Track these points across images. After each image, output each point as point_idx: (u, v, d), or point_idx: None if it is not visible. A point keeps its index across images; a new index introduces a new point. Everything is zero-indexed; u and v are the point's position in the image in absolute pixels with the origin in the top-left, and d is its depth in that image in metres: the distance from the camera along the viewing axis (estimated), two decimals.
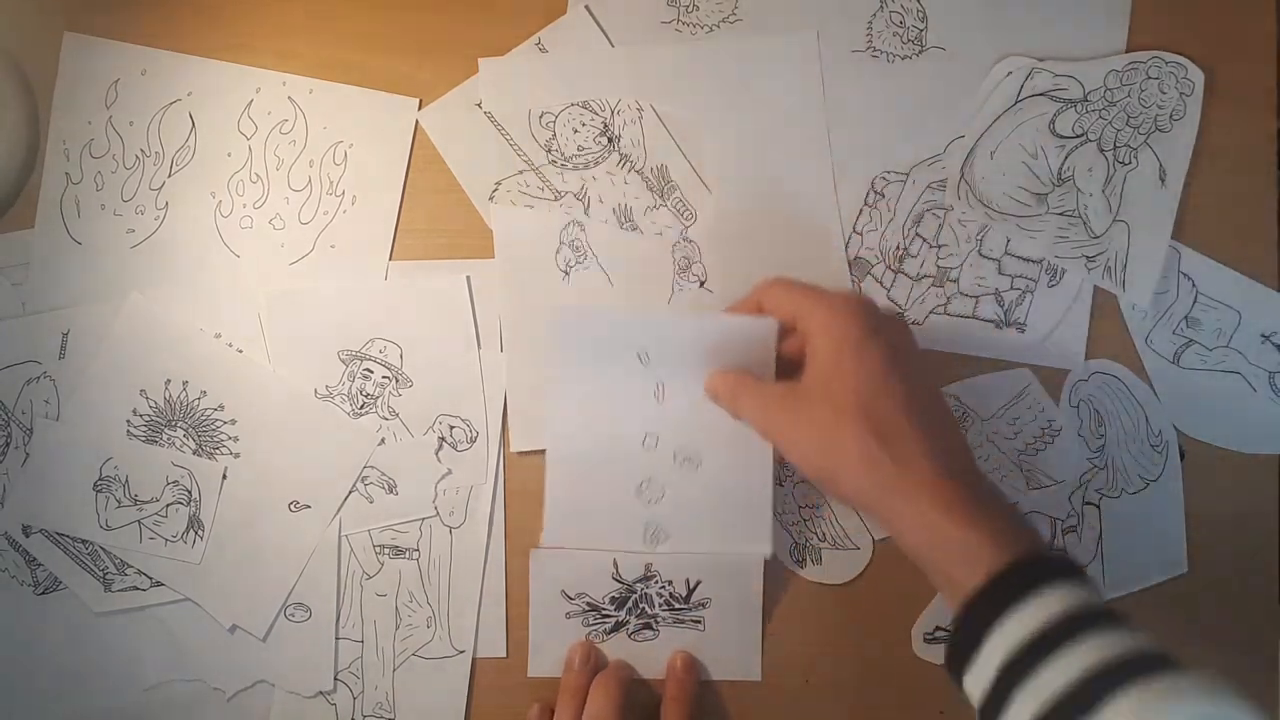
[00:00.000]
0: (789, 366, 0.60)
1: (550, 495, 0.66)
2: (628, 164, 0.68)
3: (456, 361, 0.68)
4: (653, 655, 0.68)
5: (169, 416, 0.67)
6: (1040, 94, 0.68)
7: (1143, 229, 0.68)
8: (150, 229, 0.68)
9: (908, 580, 0.68)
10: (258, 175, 0.68)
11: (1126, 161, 0.68)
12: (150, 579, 0.67)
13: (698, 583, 0.68)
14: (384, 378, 0.68)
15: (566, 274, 0.68)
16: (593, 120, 0.68)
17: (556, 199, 0.68)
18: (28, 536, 0.67)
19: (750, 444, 0.64)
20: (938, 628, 0.68)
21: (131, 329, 0.67)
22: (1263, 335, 0.69)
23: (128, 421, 0.67)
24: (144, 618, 0.67)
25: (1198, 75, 0.68)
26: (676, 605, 0.68)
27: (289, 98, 0.68)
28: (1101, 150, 0.68)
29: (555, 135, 0.68)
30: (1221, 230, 0.69)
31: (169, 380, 0.67)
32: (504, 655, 0.68)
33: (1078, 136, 0.68)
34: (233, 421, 0.67)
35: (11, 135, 0.67)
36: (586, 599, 0.68)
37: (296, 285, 0.68)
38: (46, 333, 0.67)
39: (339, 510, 0.67)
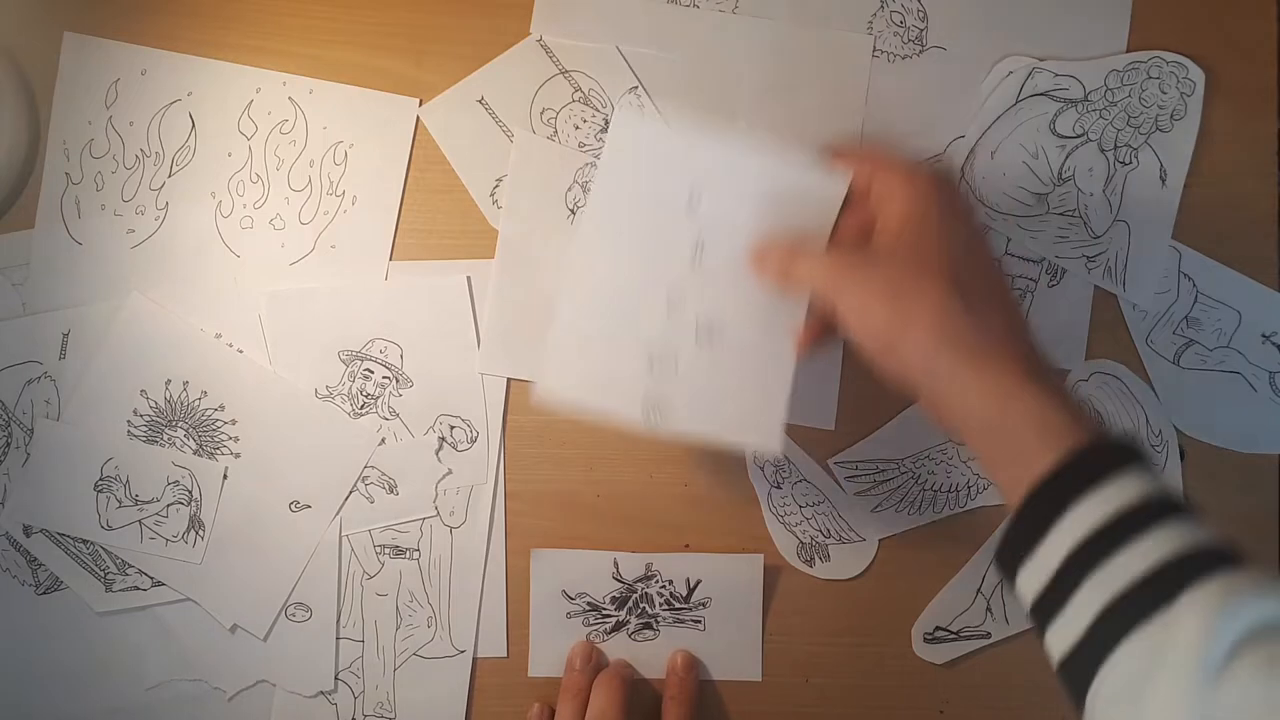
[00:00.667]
0: (846, 239, 0.56)
1: (555, 334, 0.60)
2: None
3: (457, 361, 0.68)
4: (653, 655, 0.68)
5: (169, 416, 0.67)
6: (1040, 94, 0.68)
7: (1143, 229, 0.68)
8: (150, 229, 0.68)
9: (909, 580, 0.68)
10: (258, 175, 0.68)
11: (1127, 161, 0.68)
12: (151, 579, 0.67)
13: (698, 582, 0.68)
14: (384, 378, 0.68)
15: (573, 213, 0.68)
16: (594, 116, 0.69)
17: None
18: (29, 536, 0.67)
19: (777, 325, 0.58)
20: (938, 627, 0.68)
21: (132, 329, 0.67)
22: (1263, 335, 0.69)
23: (128, 422, 0.67)
24: (145, 617, 0.67)
25: (1198, 75, 0.68)
26: (677, 605, 0.68)
27: (289, 98, 0.68)
28: (1102, 150, 0.68)
29: (556, 131, 0.69)
30: (1222, 230, 0.69)
31: (169, 380, 0.67)
32: (504, 655, 0.68)
33: (1078, 136, 0.68)
34: (233, 422, 0.67)
35: (11, 135, 0.67)
36: (587, 599, 0.68)
37: (296, 285, 0.68)
38: (47, 333, 0.67)
39: (339, 510, 0.67)
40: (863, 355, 0.51)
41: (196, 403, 0.67)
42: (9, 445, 0.67)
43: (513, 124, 0.69)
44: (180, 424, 0.67)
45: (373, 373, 0.68)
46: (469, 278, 0.68)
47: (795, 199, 0.57)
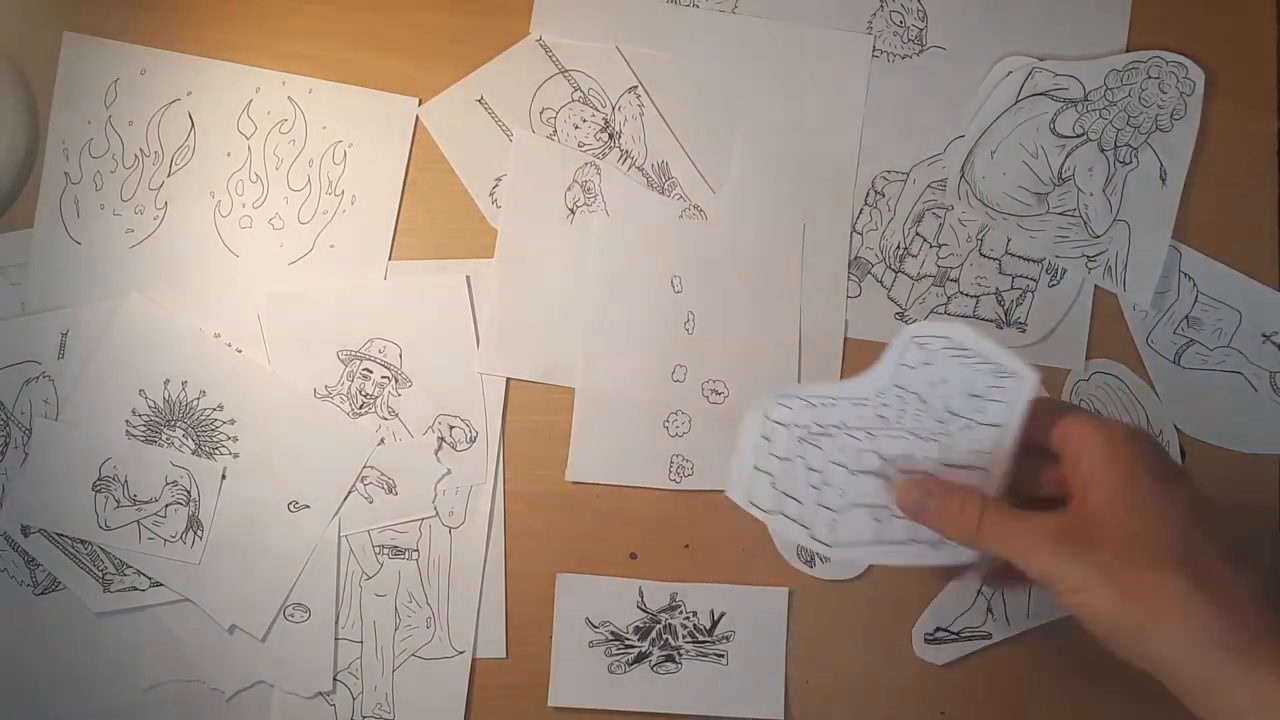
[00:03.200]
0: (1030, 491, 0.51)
1: (578, 429, 0.67)
2: (628, 160, 0.68)
3: (456, 361, 0.68)
4: (675, 689, 0.67)
5: (168, 416, 0.67)
6: (1040, 93, 0.68)
7: (1143, 229, 0.68)
8: (149, 229, 0.68)
9: (909, 579, 0.68)
10: (257, 175, 0.68)
11: (1127, 161, 0.68)
12: (149, 579, 0.67)
13: (722, 614, 0.67)
14: (383, 377, 0.68)
15: (572, 213, 0.68)
16: (594, 116, 0.69)
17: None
18: (26, 536, 0.66)
19: (777, 377, 0.65)
20: (938, 628, 0.68)
21: (130, 328, 0.67)
22: (1263, 335, 0.69)
23: (127, 421, 0.67)
24: (143, 618, 0.67)
25: (1198, 75, 0.68)
26: (700, 637, 0.67)
27: (289, 97, 0.68)
28: (1102, 150, 0.68)
29: (556, 130, 0.69)
30: (1222, 230, 0.69)
31: (168, 380, 0.67)
32: (503, 656, 0.68)
33: (1078, 136, 0.68)
34: (232, 421, 0.67)
35: (11, 135, 0.67)
36: (610, 628, 0.67)
37: (296, 285, 0.68)
38: (45, 332, 0.67)
39: (338, 510, 0.67)
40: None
41: (195, 402, 0.67)
42: (7, 445, 0.67)
43: (512, 123, 0.69)
44: (179, 424, 0.67)
45: (372, 372, 0.68)
46: (468, 277, 0.68)
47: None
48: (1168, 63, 0.68)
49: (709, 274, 0.68)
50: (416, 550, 0.68)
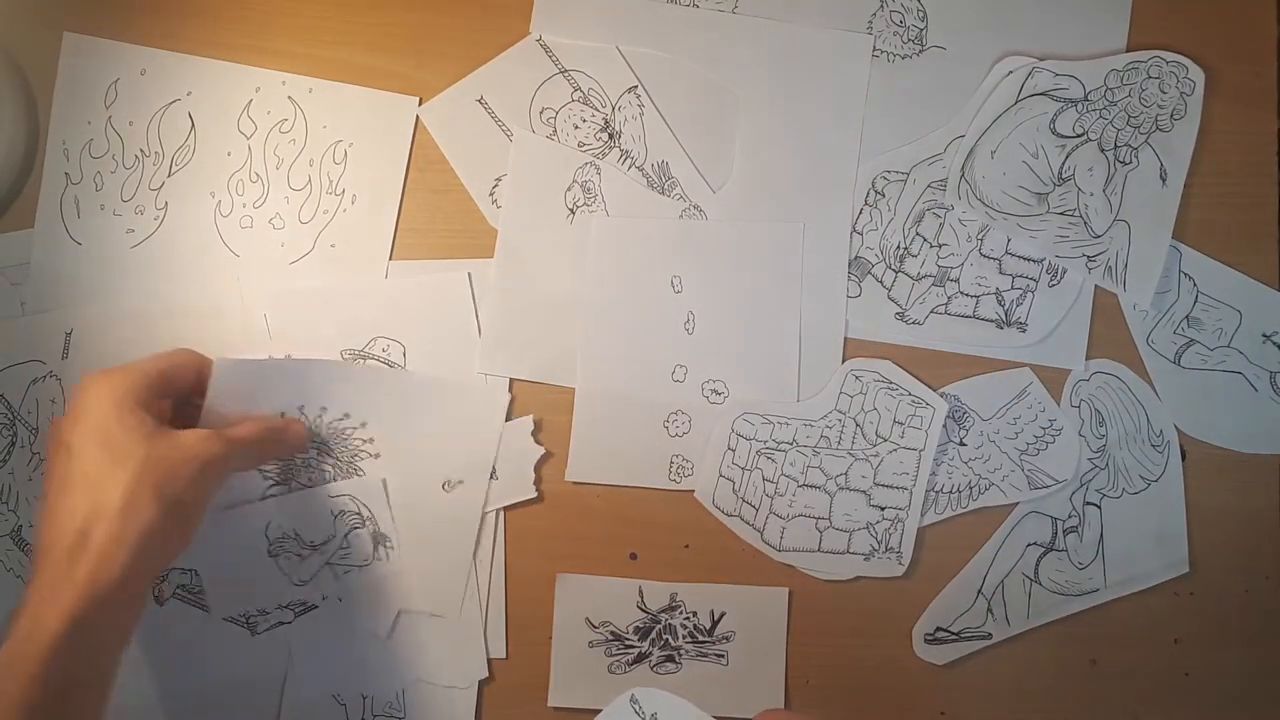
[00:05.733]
0: None
1: (578, 429, 0.67)
2: (628, 160, 0.68)
3: (458, 360, 0.68)
4: (675, 689, 0.67)
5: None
6: (1040, 93, 0.68)
7: (1144, 229, 0.68)
8: (150, 229, 0.68)
9: (909, 580, 0.68)
10: (257, 175, 0.68)
11: (1127, 161, 0.68)
12: (294, 612, 0.66)
13: (722, 614, 0.67)
14: None
15: (572, 213, 0.68)
16: (594, 116, 0.69)
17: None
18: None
19: (777, 377, 0.66)
20: (938, 628, 0.68)
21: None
22: (1264, 335, 0.69)
23: (261, 471, 0.65)
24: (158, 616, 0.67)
25: (1198, 75, 0.68)
26: (700, 638, 0.67)
27: (289, 97, 0.68)
28: (1102, 150, 0.68)
29: (556, 130, 0.69)
30: (1223, 230, 0.69)
31: (302, 406, 0.65)
32: (503, 656, 0.68)
33: (1078, 136, 0.68)
34: (363, 424, 0.66)
35: (11, 135, 0.67)
36: (610, 628, 0.67)
37: (297, 285, 0.68)
38: (49, 332, 0.67)
39: (487, 488, 0.67)
40: None
41: (340, 424, 0.66)
42: (14, 444, 0.67)
43: (512, 123, 0.69)
44: (312, 447, 0.66)
45: None
46: (470, 275, 0.68)
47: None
48: (1168, 63, 0.68)
49: (709, 274, 0.68)
50: None
